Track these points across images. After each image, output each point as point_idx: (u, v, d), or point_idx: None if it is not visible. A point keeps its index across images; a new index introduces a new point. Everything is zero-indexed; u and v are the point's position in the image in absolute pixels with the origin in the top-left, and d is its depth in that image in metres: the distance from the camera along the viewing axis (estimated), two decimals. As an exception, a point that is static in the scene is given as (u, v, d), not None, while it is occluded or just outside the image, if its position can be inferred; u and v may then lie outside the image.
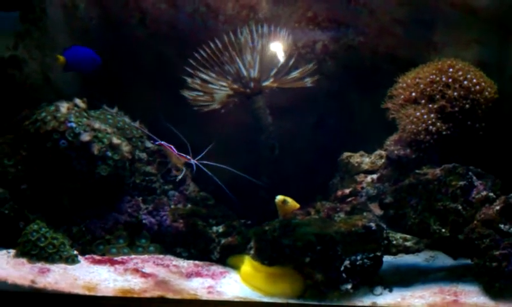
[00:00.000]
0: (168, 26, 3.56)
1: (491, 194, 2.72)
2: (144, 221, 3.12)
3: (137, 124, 3.37)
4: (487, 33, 3.32)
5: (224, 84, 3.39)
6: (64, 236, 2.93)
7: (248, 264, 2.86)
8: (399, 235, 3.11)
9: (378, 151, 3.47)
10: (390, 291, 2.70)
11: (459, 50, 3.34)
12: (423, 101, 3.16)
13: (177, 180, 3.23)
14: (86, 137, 3.02)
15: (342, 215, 2.92)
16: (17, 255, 2.81)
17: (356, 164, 3.48)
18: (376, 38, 3.52)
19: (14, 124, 3.16)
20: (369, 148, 3.52)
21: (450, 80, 3.13)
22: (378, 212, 2.97)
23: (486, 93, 3.12)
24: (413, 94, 3.19)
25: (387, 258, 2.97)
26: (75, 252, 2.91)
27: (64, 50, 3.14)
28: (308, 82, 3.43)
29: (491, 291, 2.58)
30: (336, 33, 3.53)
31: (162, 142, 3.03)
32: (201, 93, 3.39)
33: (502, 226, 2.61)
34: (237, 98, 3.45)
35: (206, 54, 3.35)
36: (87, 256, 2.95)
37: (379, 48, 3.53)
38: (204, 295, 2.63)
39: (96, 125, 3.10)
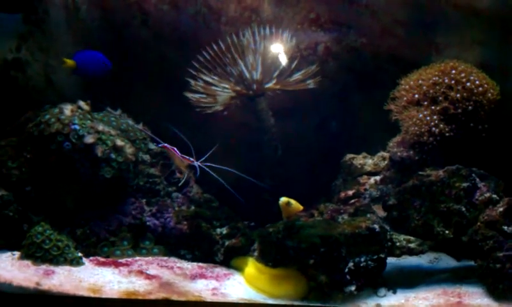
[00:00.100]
0: (170, 28, 3.56)
1: (495, 195, 2.73)
2: (148, 223, 3.12)
3: (140, 126, 3.37)
4: (490, 34, 3.32)
5: (226, 86, 3.39)
6: (69, 239, 2.94)
7: (252, 266, 2.87)
8: (402, 237, 3.11)
9: (381, 153, 3.47)
10: (394, 292, 2.71)
11: (461, 52, 3.33)
12: (426, 103, 3.16)
13: (180, 184, 3.23)
14: (89, 139, 3.02)
15: (345, 217, 2.91)
16: (22, 257, 2.82)
17: (359, 166, 3.48)
18: (378, 40, 3.51)
19: (17, 126, 3.17)
20: (372, 150, 3.53)
21: (453, 81, 3.12)
22: (381, 213, 2.97)
23: (489, 95, 3.12)
24: (416, 95, 3.18)
25: (391, 260, 2.98)
26: (80, 254, 2.92)
27: (74, 54, 3.13)
28: (311, 83, 3.43)
29: (494, 292, 2.59)
30: (339, 35, 3.53)
31: (166, 145, 3.03)
32: (203, 95, 3.39)
33: (505, 227, 2.62)
34: (240, 100, 3.44)
35: (209, 56, 3.35)
36: (91, 258, 2.96)
37: (381, 50, 3.52)
38: (208, 297, 2.64)
39: (100, 127, 3.10)
